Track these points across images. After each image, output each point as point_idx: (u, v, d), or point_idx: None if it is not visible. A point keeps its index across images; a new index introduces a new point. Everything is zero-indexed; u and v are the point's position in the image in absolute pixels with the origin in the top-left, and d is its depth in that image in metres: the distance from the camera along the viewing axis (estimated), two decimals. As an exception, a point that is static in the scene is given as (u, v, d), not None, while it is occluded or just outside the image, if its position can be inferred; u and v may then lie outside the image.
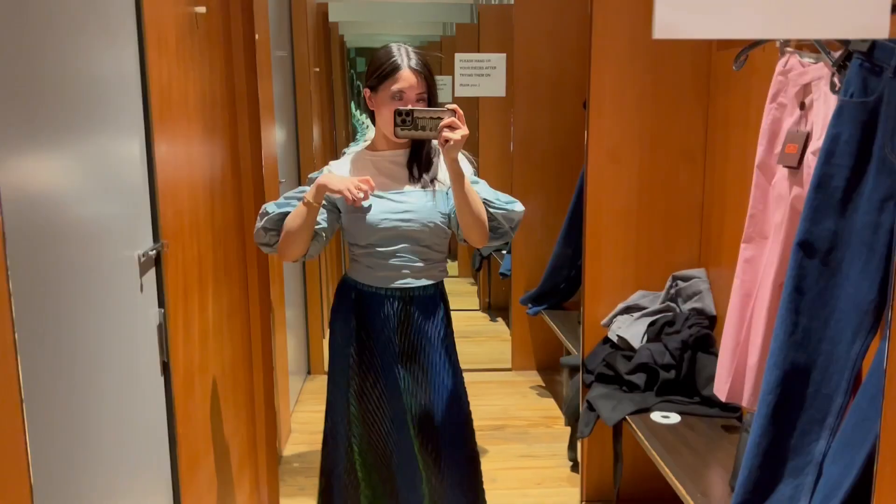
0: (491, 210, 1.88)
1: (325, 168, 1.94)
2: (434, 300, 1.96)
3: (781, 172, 1.94)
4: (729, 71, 2.43)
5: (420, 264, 1.90)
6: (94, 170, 1.39)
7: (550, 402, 3.86)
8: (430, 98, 1.86)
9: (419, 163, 1.91)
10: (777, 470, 1.59)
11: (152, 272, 1.66)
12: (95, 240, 1.38)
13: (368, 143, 1.99)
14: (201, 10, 2.00)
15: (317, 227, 1.88)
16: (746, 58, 2.02)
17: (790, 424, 1.60)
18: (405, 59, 1.83)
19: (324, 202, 1.88)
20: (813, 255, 1.62)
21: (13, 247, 1.02)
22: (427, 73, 1.85)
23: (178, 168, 1.82)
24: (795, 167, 1.86)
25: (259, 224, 1.91)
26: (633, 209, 2.68)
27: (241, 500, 2.44)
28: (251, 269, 2.55)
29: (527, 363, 4.35)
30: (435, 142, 1.82)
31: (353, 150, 2.03)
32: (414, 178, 1.89)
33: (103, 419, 1.39)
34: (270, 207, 1.91)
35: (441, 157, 1.83)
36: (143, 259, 1.58)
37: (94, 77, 1.40)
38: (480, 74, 3.84)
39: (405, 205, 1.87)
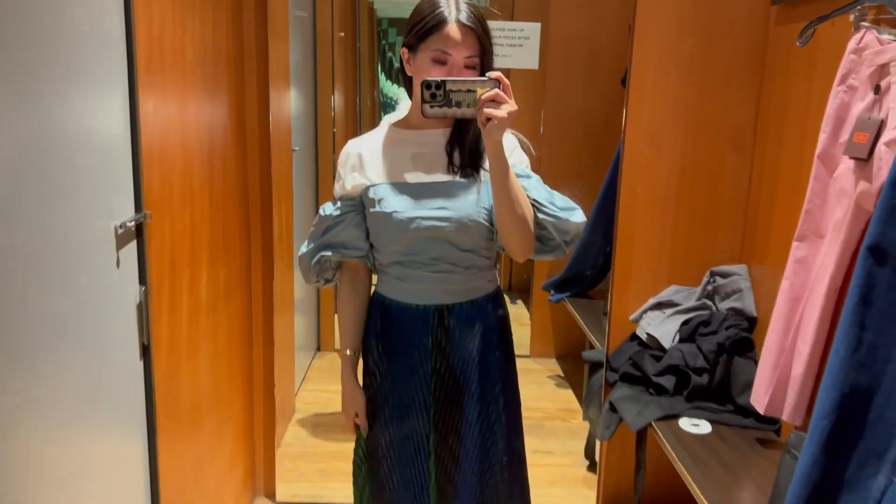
0: (540, 216, 1.48)
1: (344, 151, 1.57)
2: (484, 311, 1.56)
3: (846, 164, 1.72)
4: (789, 48, 2.18)
5: (460, 275, 1.52)
6: (65, 126, 1.21)
7: (569, 394, 3.68)
8: (484, 65, 1.44)
9: (461, 146, 1.50)
10: (828, 506, 1.39)
11: (133, 245, 1.48)
12: (65, 207, 1.21)
13: (402, 115, 1.59)
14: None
15: (359, 255, 1.57)
16: (814, 32, 1.79)
17: (846, 455, 1.40)
18: (453, 11, 1.42)
19: (349, 205, 1.55)
20: (885, 262, 1.41)
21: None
22: (481, 32, 1.43)
23: (169, 129, 1.64)
24: (864, 159, 1.65)
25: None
26: (672, 197, 2.46)
27: (234, 487, 2.29)
28: (254, 242, 2.38)
29: (546, 351, 4.17)
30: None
31: (387, 119, 1.63)
32: (454, 166, 1.49)
33: (72, 410, 1.23)
34: (302, 248, 1.61)
35: None
36: (120, 231, 1.41)
37: (68, 22, 1.22)
38: (512, 45, 3.61)
39: (442, 199, 1.47)
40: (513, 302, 5.28)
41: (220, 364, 2.08)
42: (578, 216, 1.50)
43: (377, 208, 1.49)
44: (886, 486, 1.36)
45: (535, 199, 1.48)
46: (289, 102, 2.79)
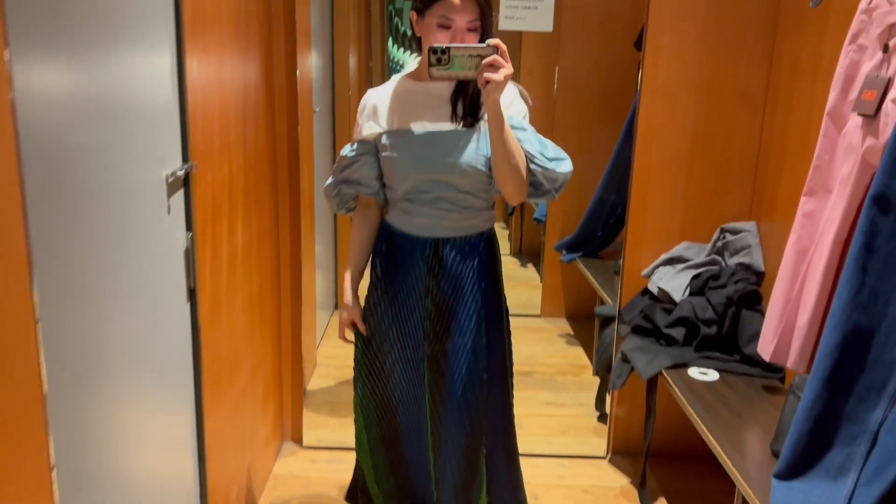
0: (531, 166, 1.66)
1: (362, 101, 1.77)
2: (476, 248, 1.76)
3: (855, 121, 1.79)
4: (801, 9, 2.25)
5: (459, 213, 1.72)
6: (122, 85, 1.30)
7: (579, 351, 3.79)
8: (484, 29, 1.60)
9: (464, 99, 1.68)
10: (828, 437, 1.50)
11: (180, 194, 1.58)
12: (121, 157, 1.30)
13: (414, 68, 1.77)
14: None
15: (370, 192, 1.78)
16: (826, -7, 1.85)
17: (846, 390, 1.51)
18: None
19: (364, 148, 1.75)
20: (888, 211, 1.50)
21: (34, 163, 0.93)
22: None
23: (210, 86, 1.72)
24: (872, 116, 1.72)
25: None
26: (685, 155, 2.54)
27: (265, 431, 2.42)
28: (282, 197, 2.48)
29: (556, 311, 4.27)
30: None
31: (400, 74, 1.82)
32: (457, 116, 1.67)
33: (126, 346, 1.34)
34: (327, 181, 1.83)
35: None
36: (171, 179, 1.50)
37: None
38: (527, 7, 3.65)
39: (443, 146, 1.66)
40: (523, 265, 5.37)
41: (254, 311, 2.19)
42: (566, 166, 1.68)
43: (388, 153, 1.70)
44: (883, 419, 1.47)
45: (527, 151, 1.65)
46: (310, 64, 2.86)
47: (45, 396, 0.92)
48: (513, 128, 1.63)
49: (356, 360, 1.88)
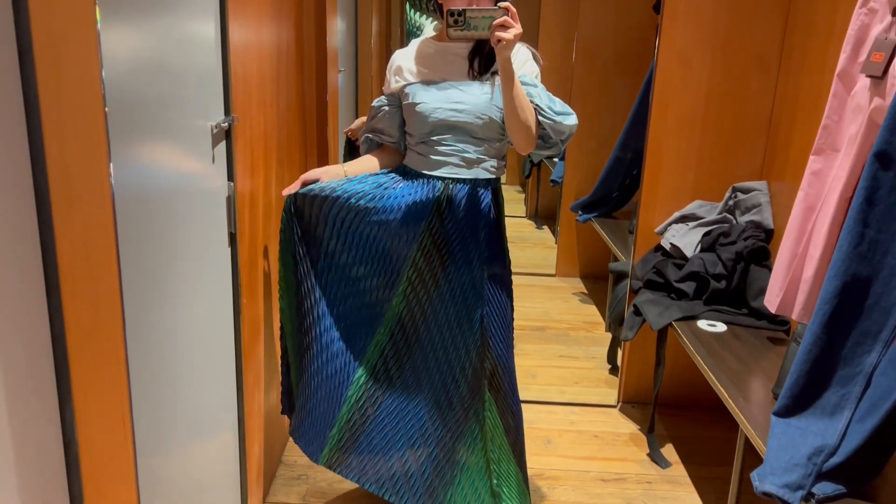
0: (540, 118, 1.80)
1: (391, 59, 1.95)
2: (483, 196, 1.87)
3: (863, 82, 1.87)
4: (817, -27, 2.30)
5: (472, 155, 1.86)
6: (175, 48, 1.41)
7: (592, 309, 3.91)
8: None
9: (480, 56, 1.85)
10: (825, 378, 1.61)
11: (223, 145, 1.69)
12: (172, 108, 1.41)
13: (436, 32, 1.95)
14: None
15: (391, 141, 1.98)
16: (840, -43, 1.91)
17: (843, 335, 1.61)
18: None
19: (390, 100, 1.94)
20: (889, 167, 1.59)
21: (114, 111, 1.05)
22: None
23: (248, 49, 1.83)
24: (879, 77, 1.79)
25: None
26: (699, 116, 2.62)
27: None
28: (311, 155, 2.58)
29: (571, 270, 4.38)
30: None
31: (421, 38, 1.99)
32: (474, 71, 1.85)
33: (179, 281, 1.46)
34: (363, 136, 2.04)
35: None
36: (215, 130, 1.61)
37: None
38: (547, -30, 3.69)
39: (460, 95, 1.83)
40: (538, 227, 5.48)
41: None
42: (571, 119, 1.82)
43: (409, 100, 1.88)
44: (877, 362, 1.58)
45: (537, 105, 1.79)
46: (336, 28, 2.95)
47: (124, 313, 1.05)
48: (525, 84, 1.78)
49: (286, 281, 1.97)
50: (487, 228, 1.88)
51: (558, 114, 1.80)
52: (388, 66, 1.96)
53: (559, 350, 3.36)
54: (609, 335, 3.31)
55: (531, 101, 1.78)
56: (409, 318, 1.89)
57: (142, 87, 1.25)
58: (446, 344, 1.87)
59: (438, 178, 1.86)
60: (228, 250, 1.77)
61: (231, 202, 1.74)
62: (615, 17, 3.90)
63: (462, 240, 1.86)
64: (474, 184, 1.87)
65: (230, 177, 1.74)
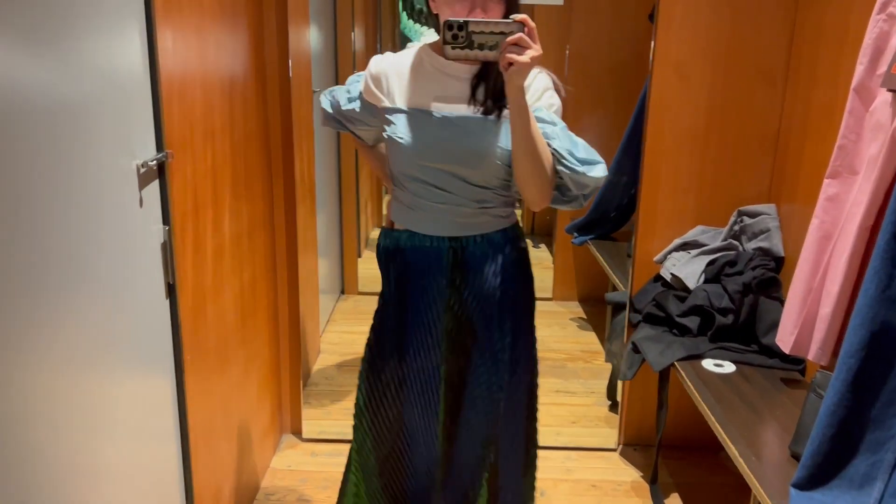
0: (558, 167, 1.41)
1: (373, 61, 1.54)
2: (500, 248, 1.53)
3: (883, 97, 1.66)
4: (826, -24, 2.09)
5: (471, 208, 1.49)
6: (83, 63, 1.20)
7: (591, 336, 3.69)
8: (510, 4, 1.38)
9: (487, 81, 1.44)
10: (853, 443, 1.39)
11: (155, 185, 1.48)
12: (87, 145, 1.20)
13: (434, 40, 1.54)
14: None
15: (369, 144, 1.71)
16: (854, -43, 1.70)
17: (872, 393, 1.40)
18: None
19: (367, 111, 1.57)
20: (921, 196, 1.37)
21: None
22: None
23: (189, 67, 1.62)
24: (903, 91, 1.58)
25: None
26: (700, 133, 2.40)
27: (261, 424, 2.35)
28: (276, 183, 2.37)
29: (568, 294, 4.17)
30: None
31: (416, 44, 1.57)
32: (476, 101, 1.45)
33: (98, 348, 1.25)
34: (323, 102, 1.68)
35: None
36: (143, 170, 1.40)
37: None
38: (536, -21, 3.50)
39: (456, 133, 1.44)
40: (535, 245, 5.26)
41: (246, 303, 2.10)
42: (599, 171, 1.41)
43: (391, 132, 1.48)
44: (913, 424, 1.36)
45: (555, 149, 1.41)
46: (308, 41, 2.74)
47: None
48: (540, 120, 1.41)
49: (358, 406, 1.67)
50: (512, 292, 1.54)
51: (582, 162, 1.40)
52: (369, 67, 1.54)
53: (556, 384, 3.13)
54: (608, 365, 3.10)
55: (548, 144, 1.41)
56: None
57: (32, 125, 1.04)
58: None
59: (443, 238, 1.51)
60: (166, 303, 1.56)
61: (167, 248, 1.53)
62: (609, 27, 3.71)
63: (483, 312, 1.54)
64: (487, 239, 1.52)
65: (165, 220, 1.52)
